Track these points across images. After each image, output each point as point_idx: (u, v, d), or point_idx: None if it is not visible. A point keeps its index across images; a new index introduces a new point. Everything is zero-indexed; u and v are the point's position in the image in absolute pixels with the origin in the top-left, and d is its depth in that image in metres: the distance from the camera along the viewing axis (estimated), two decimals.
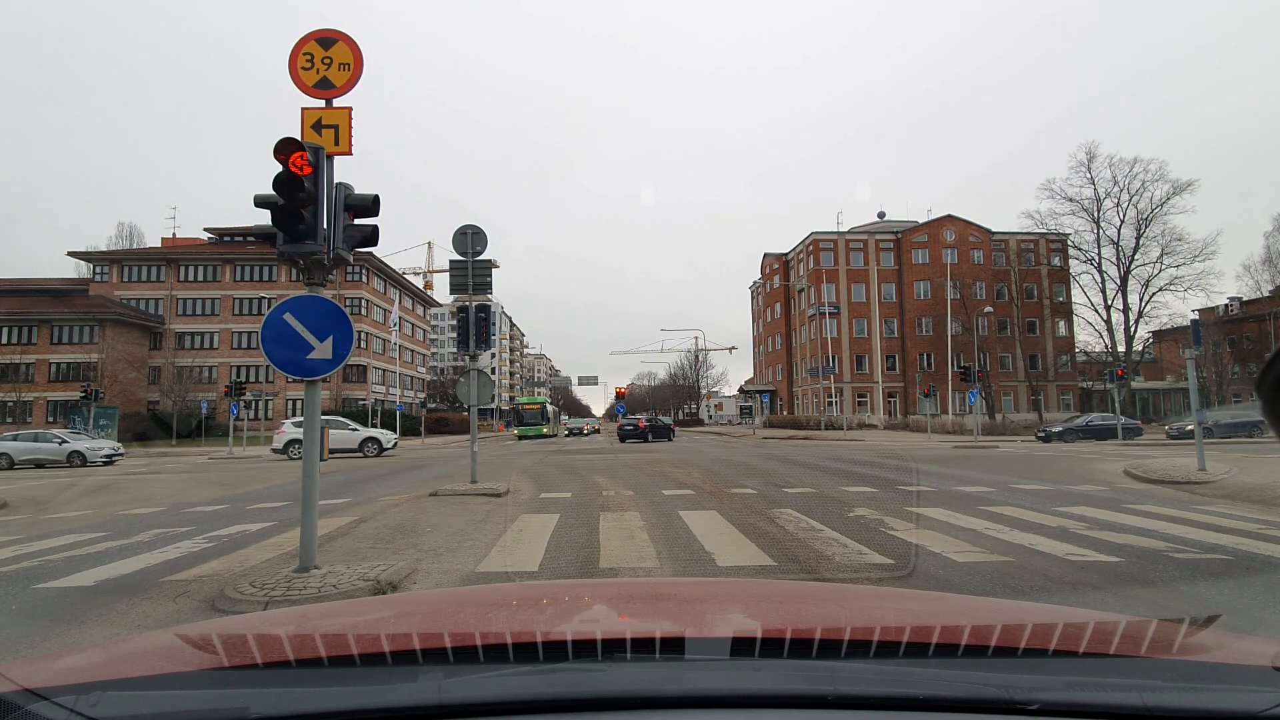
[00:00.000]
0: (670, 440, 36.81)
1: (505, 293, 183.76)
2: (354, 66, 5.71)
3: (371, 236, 5.69)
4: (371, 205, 5.60)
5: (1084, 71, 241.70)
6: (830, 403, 51.76)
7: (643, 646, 1.08)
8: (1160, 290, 46.00)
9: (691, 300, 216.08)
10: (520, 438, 43.95)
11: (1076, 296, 52.23)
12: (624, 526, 8.03)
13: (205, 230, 56.89)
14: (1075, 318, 53.64)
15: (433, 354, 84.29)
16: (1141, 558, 6.02)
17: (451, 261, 12.85)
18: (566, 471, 16.46)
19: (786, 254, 65.02)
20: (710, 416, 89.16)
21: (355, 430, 28.15)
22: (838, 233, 57.65)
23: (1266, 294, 50.06)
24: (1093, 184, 46.85)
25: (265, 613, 3.49)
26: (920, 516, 8.44)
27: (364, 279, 54.92)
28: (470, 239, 12.47)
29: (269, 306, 6.64)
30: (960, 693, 0.96)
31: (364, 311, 53.91)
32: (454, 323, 15.91)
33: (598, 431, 63.27)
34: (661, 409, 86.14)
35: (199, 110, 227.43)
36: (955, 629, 1.18)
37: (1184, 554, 6.13)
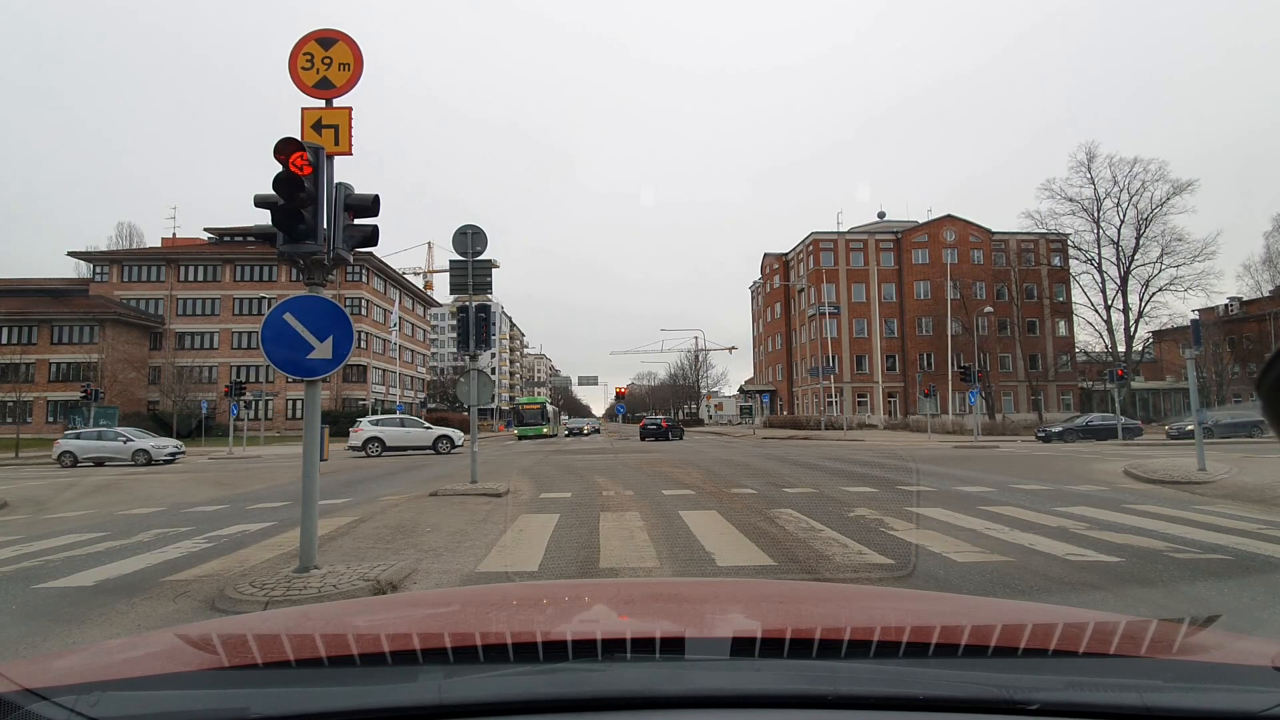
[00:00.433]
0: (680, 439, 40.24)
1: (505, 293, 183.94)
2: (354, 66, 5.71)
3: (371, 236, 5.69)
4: (371, 205, 5.60)
5: (1084, 71, 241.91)
6: (830, 403, 51.76)
7: (643, 646, 1.08)
8: (1160, 290, 46.07)
9: (691, 300, 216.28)
10: (520, 438, 43.93)
11: (1076, 296, 52.32)
12: (624, 526, 8.03)
13: (205, 230, 56.94)
14: (1075, 318, 53.70)
15: (433, 354, 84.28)
16: (1141, 558, 6.02)
17: (451, 261, 12.85)
18: (566, 471, 16.46)
19: (786, 254, 65.02)
20: (710, 416, 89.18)
21: (429, 429, 29.47)
22: (838, 233, 57.64)
23: (1266, 294, 50.06)
24: (1093, 184, 46.92)
25: (265, 613, 3.49)
26: (920, 516, 8.44)
27: (364, 279, 54.90)
28: (470, 239, 12.47)
29: (269, 306, 6.64)
30: (960, 693, 0.96)
31: (364, 311, 53.90)
32: (454, 323, 15.91)
33: (598, 431, 63.24)
34: (662, 409, 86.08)
35: (199, 110, 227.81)
36: (955, 629, 1.18)
37: (1184, 554, 6.13)
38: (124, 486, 15.97)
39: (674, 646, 1.11)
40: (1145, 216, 45.90)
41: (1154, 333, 51.20)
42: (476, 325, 12.41)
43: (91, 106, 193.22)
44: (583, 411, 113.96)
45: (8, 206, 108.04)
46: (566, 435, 53.24)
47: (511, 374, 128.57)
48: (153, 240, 59.55)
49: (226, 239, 55.06)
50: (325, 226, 5.32)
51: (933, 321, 52.57)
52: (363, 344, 52.49)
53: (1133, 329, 47.58)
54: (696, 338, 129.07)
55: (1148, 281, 46.38)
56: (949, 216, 56.30)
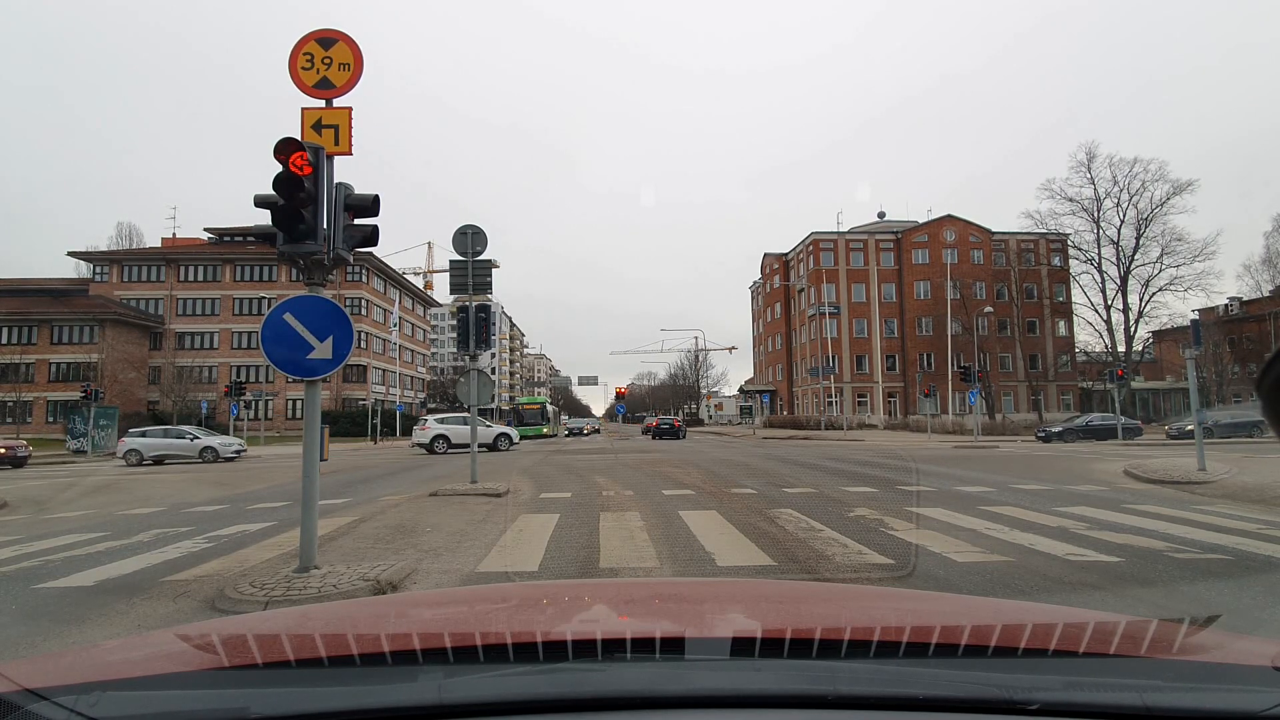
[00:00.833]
0: (682, 439, 41.47)
1: (505, 293, 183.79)
2: (354, 66, 5.71)
3: (371, 236, 5.69)
4: (371, 205, 5.60)
5: (1084, 71, 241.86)
6: (830, 403, 51.76)
7: (643, 646, 1.08)
8: (1160, 290, 46.05)
9: (691, 300, 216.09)
10: (520, 437, 43.92)
11: (1076, 296, 52.30)
12: (624, 526, 8.03)
13: (205, 230, 56.95)
14: (1075, 318, 53.69)
15: (433, 354, 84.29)
16: (1141, 558, 6.02)
17: (451, 261, 12.85)
18: (566, 471, 16.46)
19: (786, 254, 65.02)
20: (710, 416, 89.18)
21: (490, 426, 29.88)
22: (838, 233, 57.64)
23: (1266, 294, 50.06)
24: (1093, 184, 46.91)
25: (265, 613, 3.49)
26: (920, 516, 8.44)
27: (364, 279, 54.91)
28: (470, 239, 12.47)
29: (269, 306, 6.64)
30: (960, 693, 0.96)
31: (364, 311, 53.91)
32: (454, 323, 15.91)
33: (598, 432, 63.22)
34: (661, 409, 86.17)
35: (199, 110, 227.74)
36: (955, 629, 1.18)
37: (1184, 554, 6.13)
38: (124, 487, 15.97)
39: (674, 646, 1.11)
40: (1145, 216, 45.95)
41: (1154, 333, 51.24)
42: (476, 325, 12.41)
43: (92, 106, 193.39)
44: (583, 411, 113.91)
45: (8, 206, 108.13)
46: (566, 435, 53.21)
47: (511, 374, 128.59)
48: (153, 240, 59.65)
49: (226, 239, 55.07)
50: (325, 226, 5.32)
51: (933, 321, 52.57)
52: (363, 344, 52.50)
53: (1133, 329, 47.66)
54: (696, 338, 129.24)
55: (1148, 281, 46.45)
56: (949, 216, 56.31)
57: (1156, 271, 45.98)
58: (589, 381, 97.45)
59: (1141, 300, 46.68)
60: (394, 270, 61.41)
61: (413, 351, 68.50)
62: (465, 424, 29.18)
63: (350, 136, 5.57)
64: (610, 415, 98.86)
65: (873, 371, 55.80)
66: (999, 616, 1.51)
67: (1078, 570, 5.61)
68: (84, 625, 4.65)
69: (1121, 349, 47.25)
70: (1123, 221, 46.80)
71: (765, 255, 69.56)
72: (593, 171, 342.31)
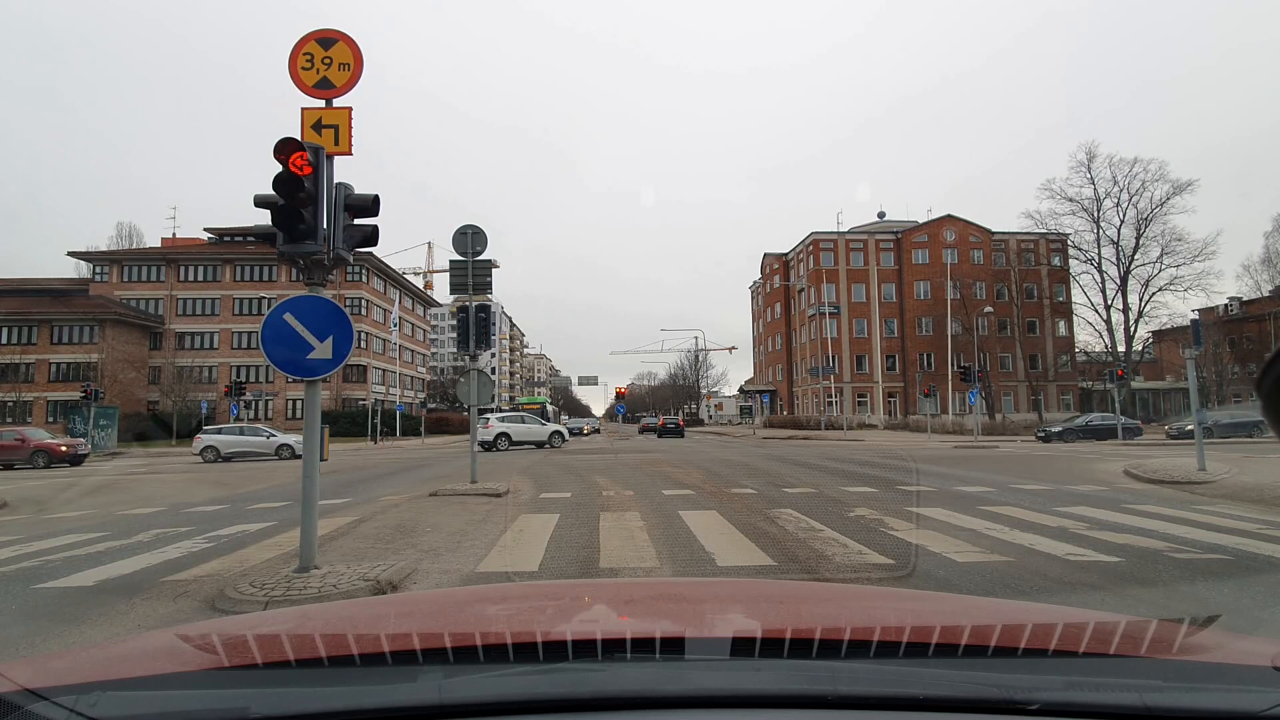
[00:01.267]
0: (681, 437, 43.11)
1: (505, 293, 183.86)
2: (354, 66, 5.71)
3: (371, 236, 5.70)
4: (371, 205, 5.60)
5: (1084, 71, 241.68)
6: (830, 403, 51.77)
7: (643, 646, 1.08)
8: (1160, 290, 46.01)
9: (691, 300, 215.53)
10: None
11: (1076, 296, 52.30)
12: (624, 526, 8.03)
13: (205, 230, 56.90)
14: (1075, 318, 53.70)
15: (433, 354, 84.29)
16: (1141, 558, 6.02)
17: (451, 261, 12.85)
18: (566, 471, 16.46)
19: (786, 254, 65.04)
20: (710, 416, 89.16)
21: (545, 424, 30.91)
22: (838, 233, 57.67)
23: (1266, 294, 50.09)
24: (1093, 184, 46.91)
25: (265, 613, 3.49)
26: (920, 516, 8.44)
27: (364, 279, 54.91)
28: (470, 239, 12.48)
29: (269, 306, 6.64)
30: (960, 693, 0.96)
31: (364, 311, 53.90)
32: (454, 323, 15.90)
33: (598, 431, 63.19)
34: (662, 409, 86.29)
35: (200, 110, 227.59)
36: (955, 629, 1.18)
37: (1184, 554, 6.14)
38: (124, 486, 15.97)
39: (674, 646, 1.11)
40: (1145, 216, 45.94)
41: (1154, 333, 51.21)
42: (476, 325, 12.41)
43: (92, 106, 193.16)
44: (583, 411, 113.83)
45: (8, 206, 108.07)
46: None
47: (511, 374, 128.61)
48: (153, 240, 59.59)
49: (226, 239, 55.04)
50: (325, 226, 5.32)
51: (933, 321, 52.58)
52: (363, 344, 52.50)
53: (1133, 329, 47.64)
54: (696, 338, 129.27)
55: (1148, 281, 46.43)
56: (949, 216, 56.34)
57: (1156, 271, 46.04)
58: (589, 381, 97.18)
59: (1141, 300, 46.73)
60: (394, 270, 61.40)
61: (413, 351, 68.50)
62: (521, 423, 30.66)
63: (350, 136, 5.57)
64: (610, 415, 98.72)
65: (873, 371, 55.81)
66: (999, 616, 1.51)
67: (1078, 570, 5.61)
68: (84, 625, 4.65)
69: (1121, 349, 47.25)
70: (1123, 221, 46.86)
71: (765, 255, 69.58)
72: (593, 171, 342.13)
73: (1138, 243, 46.34)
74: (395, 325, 56.39)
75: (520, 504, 10.33)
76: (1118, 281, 47.43)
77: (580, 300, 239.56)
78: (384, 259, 55.20)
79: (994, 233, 55.04)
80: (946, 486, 11.70)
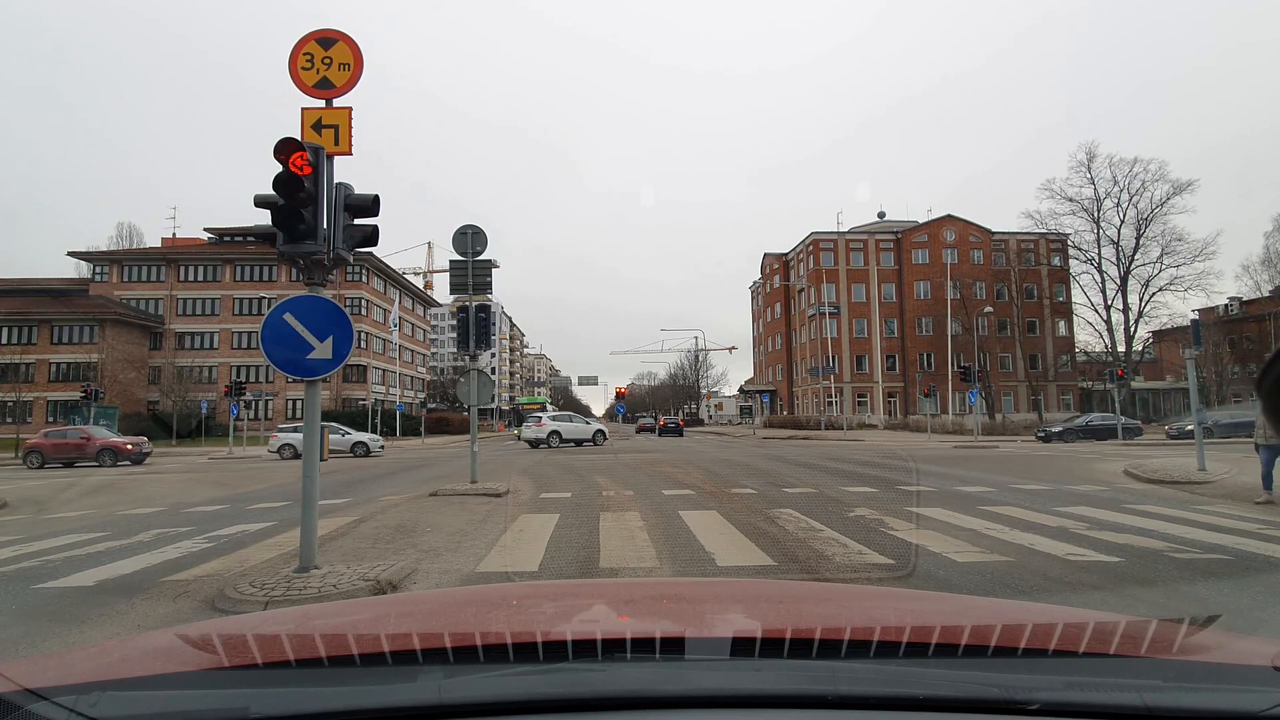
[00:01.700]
0: (680, 436, 44.64)
1: (505, 293, 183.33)
2: (354, 66, 5.71)
3: (371, 236, 5.70)
4: (371, 205, 5.60)
5: (1084, 71, 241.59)
6: (830, 403, 51.76)
7: (643, 646, 1.08)
8: (1160, 290, 46.04)
9: (691, 300, 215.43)
10: (520, 438, 43.92)
11: (1076, 296, 52.30)
12: (624, 526, 8.03)
13: (205, 230, 56.90)
14: (1075, 318, 53.70)
15: (433, 354, 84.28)
16: (1141, 558, 6.02)
17: (451, 261, 12.85)
18: (566, 471, 16.46)
19: (786, 254, 65.03)
20: (710, 416, 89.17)
21: (589, 423, 32.73)
22: (838, 233, 57.66)
23: (1266, 294, 50.05)
24: (1093, 184, 46.92)
25: (265, 613, 3.49)
26: (920, 516, 8.44)
27: (364, 279, 54.90)
28: (470, 239, 12.48)
29: (269, 306, 6.64)
30: (960, 693, 0.96)
31: (364, 311, 53.90)
32: (454, 323, 15.90)
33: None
34: (662, 409, 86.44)
35: (200, 109, 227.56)
36: (955, 629, 1.18)
37: (1184, 554, 6.14)
38: (124, 486, 15.96)
39: (674, 646, 1.11)
40: (1145, 216, 45.96)
41: (1154, 333, 51.21)
42: (476, 325, 12.41)
43: (92, 106, 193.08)
44: (583, 411, 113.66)
45: (8, 206, 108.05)
46: None
47: (511, 374, 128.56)
48: (153, 240, 59.61)
49: (226, 239, 55.05)
50: (325, 226, 5.32)
51: (933, 321, 52.58)
52: (363, 344, 52.50)
53: (1133, 329, 47.65)
54: (696, 338, 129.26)
55: (1148, 281, 46.44)
56: (949, 216, 56.33)
57: (1156, 271, 46.06)
58: (589, 381, 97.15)
59: (1141, 300, 46.74)
60: (394, 270, 61.40)
61: (413, 351, 68.50)
62: (570, 421, 32.50)
63: (350, 136, 5.57)
64: (610, 415, 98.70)
65: (873, 371, 55.80)
66: (999, 616, 1.51)
67: (1078, 570, 5.61)
68: (84, 625, 4.65)
69: (1121, 349, 47.25)
70: (1123, 221, 46.87)
71: (765, 255, 69.57)
72: (593, 171, 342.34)
73: (1138, 243, 46.38)
74: (395, 325, 56.38)
75: (520, 504, 10.33)
76: (1118, 281, 47.47)
77: (580, 300, 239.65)
78: (384, 259, 55.25)
79: (994, 233, 55.03)
80: (946, 486, 11.70)
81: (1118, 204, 46.77)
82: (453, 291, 13.00)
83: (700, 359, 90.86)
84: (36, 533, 8.81)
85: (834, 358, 51.82)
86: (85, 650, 1.70)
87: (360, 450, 27.27)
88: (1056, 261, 52.47)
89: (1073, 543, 6.66)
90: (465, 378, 12.99)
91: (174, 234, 57.90)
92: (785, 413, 60.38)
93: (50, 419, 45.09)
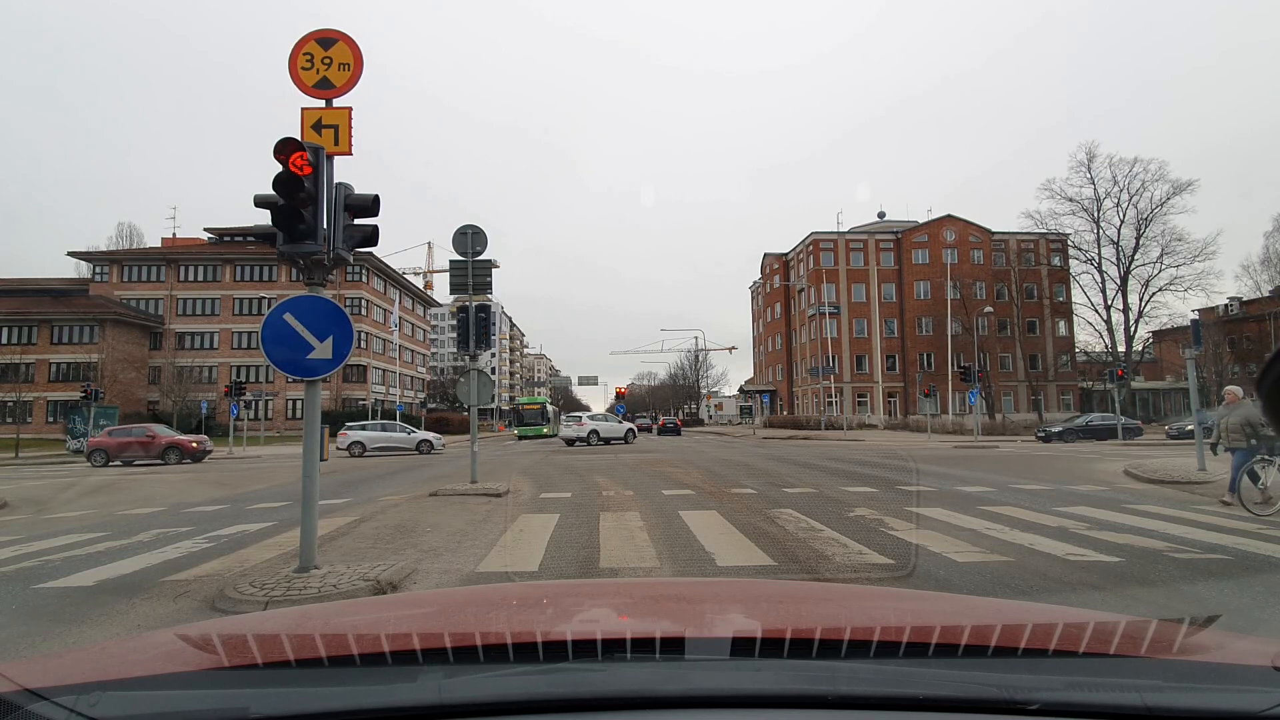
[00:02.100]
0: (678, 435, 45.82)
1: (505, 293, 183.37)
2: (354, 66, 5.71)
3: (371, 236, 5.69)
4: (371, 205, 5.60)
5: (1084, 71, 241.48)
6: (830, 403, 51.77)
7: (643, 646, 1.08)
8: (1160, 290, 46.03)
9: (691, 300, 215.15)
10: (520, 438, 43.93)
11: (1076, 296, 52.30)
12: (624, 526, 8.03)
13: (205, 230, 56.92)
14: (1075, 318, 53.70)
15: (433, 354, 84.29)
16: (1141, 558, 6.02)
17: (451, 261, 12.86)
18: (566, 471, 16.46)
19: (786, 254, 65.03)
20: (710, 416, 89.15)
21: (623, 424, 34.33)
22: (838, 233, 57.67)
23: (1266, 294, 50.07)
24: (1093, 184, 46.92)
25: (265, 613, 3.49)
26: (920, 516, 8.44)
27: (364, 279, 54.91)
28: (470, 239, 12.48)
29: (269, 306, 6.63)
30: (960, 693, 0.96)
31: (364, 311, 53.90)
32: (454, 323, 15.90)
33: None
34: (662, 409, 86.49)
35: (200, 109, 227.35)
36: (955, 629, 1.18)
37: (1184, 554, 6.14)
38: (124, 486, 15.96)
39: (674, 646, 1.11)
40: (1145, 216, 45.95)
41: (1154, 333, 51.22)
42: (476, 325, 12.42)
43: (92, 106, 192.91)
44: (582, 411, 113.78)
45: (8, 206, 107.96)
46: None
47: (511, 374, 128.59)
48: (153, 240, 59.61)
49: (226, 239, 55.06)
50: (325, 226, 5.32)
51: (933, 321, 52.59)
52: (363, 344, 52.50)
53: (1133, 329, 47.64)
54: (696, 338, 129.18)
55: (1148, 281, 46.44)
56: (949, 216, 56.34)
57: (1156, 271, 46.05)
58: (589, 381, 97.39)
59: (1141, 300, 46.74)
60: (394, 270, 61.40)
61: (413, 351, 68.50)
62: (606, 421, 34.60)
63: (350, 136, 5.57)
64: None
65: (873, 371, 55.81)
66: (999, 616, 1.51)
67: (1078, 570, 5.61)
68: (84, 625, 4.65)
69: (1121, 349, 47.25)
70: (1123, 221, 46.87)
71: (765, 255, 69.57)
72: (593, 171, 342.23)
73: (1138, 243, 46.38)
74: (395, 325, 56.39)
75: (520, 504, 10.33)
76: (1118, 281, 47.47)
77: (580, 300, 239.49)
78: (384, 259, 55.24)
79: (994, 233, 55.04)
80: (946, 486, 11.70)
81: (1118, 204, 46.84)
82: (453, 291, 13.00)
83: (700, 359, 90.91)
84: (36, 533, 8.81)
85: (834, 358, 51.83)
86: (85, 650, 1.70)
87: (425, 448, 28.06)
88: (1056, 261, 52.48)
89: (1073, 543, 6.66)
90: (465, 378, 12.99)
91: (174, 234, 57.96)
92: (785, 413, 60.38)
93: (50, 419, 45.14)
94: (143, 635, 1.80)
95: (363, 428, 29.32)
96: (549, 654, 1.07)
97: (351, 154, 5.55)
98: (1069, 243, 50.19)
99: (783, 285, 64.09)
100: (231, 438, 31.35)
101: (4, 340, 46.27)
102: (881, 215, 62.52)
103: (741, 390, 73.69)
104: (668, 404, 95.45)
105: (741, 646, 1.12)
